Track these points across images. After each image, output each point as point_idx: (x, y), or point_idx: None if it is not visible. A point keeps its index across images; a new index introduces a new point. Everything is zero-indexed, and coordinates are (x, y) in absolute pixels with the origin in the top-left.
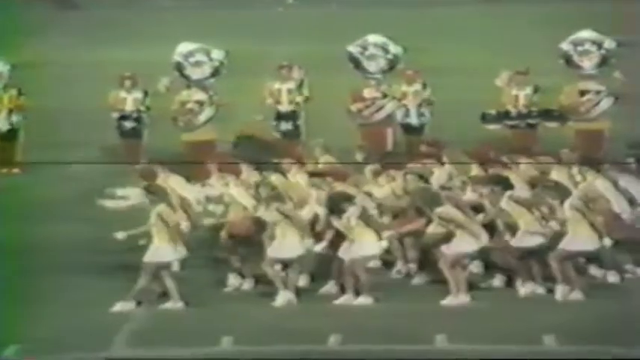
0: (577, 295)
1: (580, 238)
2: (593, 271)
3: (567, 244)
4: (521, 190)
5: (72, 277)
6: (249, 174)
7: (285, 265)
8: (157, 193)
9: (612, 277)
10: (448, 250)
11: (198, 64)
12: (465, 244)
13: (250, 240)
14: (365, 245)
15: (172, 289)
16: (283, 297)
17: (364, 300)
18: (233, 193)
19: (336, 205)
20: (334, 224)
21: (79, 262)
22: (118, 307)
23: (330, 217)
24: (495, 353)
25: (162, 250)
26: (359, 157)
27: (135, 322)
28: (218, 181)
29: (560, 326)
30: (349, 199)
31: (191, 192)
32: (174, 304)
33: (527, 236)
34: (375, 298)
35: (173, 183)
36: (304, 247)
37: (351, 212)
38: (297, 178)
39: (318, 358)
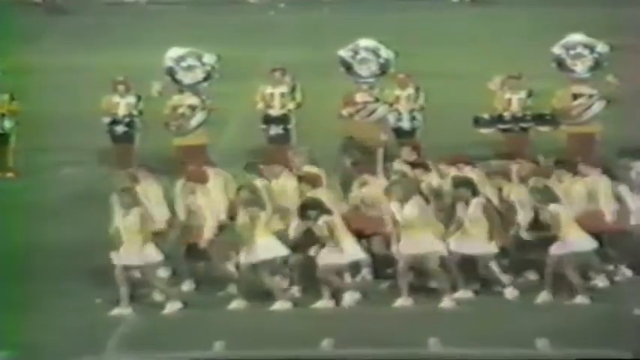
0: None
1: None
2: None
3: None
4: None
5: (64, 282)
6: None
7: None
8: (130, 197)
9: (601, 282)
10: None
11: (189, 68)
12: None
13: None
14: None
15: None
16: (280, 305)
17: (350, 301)
18: (200, 203)
19: (307, 210)
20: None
21: (71, 266)
22: (115, 312)
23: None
24: (489, 356)
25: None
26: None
27: (127, 327)
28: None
29: (553, 329)
30: (320, 205)
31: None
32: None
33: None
34: (367, 301)
35: (149, 194)
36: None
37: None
38: (286, 183)
39: None
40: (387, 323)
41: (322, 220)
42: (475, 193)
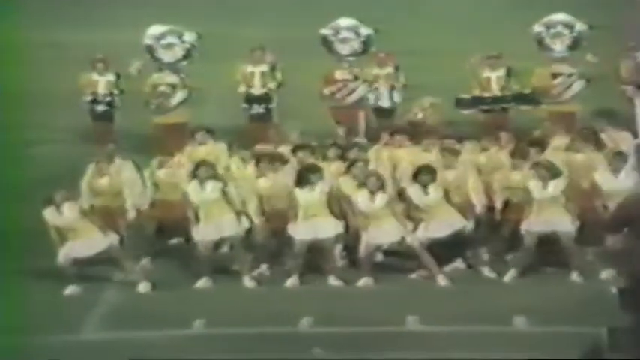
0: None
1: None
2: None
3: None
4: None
5: (38, 261)
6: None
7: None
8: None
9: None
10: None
11: (169, 46)
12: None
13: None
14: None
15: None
16: (202, 282)
17: (335, 282)
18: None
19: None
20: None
21: (45, 245)
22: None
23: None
24: (466, 334)
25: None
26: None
27: (105, 306)
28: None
29: (530, 307)
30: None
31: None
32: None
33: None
34: (346, 280)
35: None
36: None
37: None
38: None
39: (289, 340)
40: (366, 301)
41: (320, 186)
42: (434, 179)
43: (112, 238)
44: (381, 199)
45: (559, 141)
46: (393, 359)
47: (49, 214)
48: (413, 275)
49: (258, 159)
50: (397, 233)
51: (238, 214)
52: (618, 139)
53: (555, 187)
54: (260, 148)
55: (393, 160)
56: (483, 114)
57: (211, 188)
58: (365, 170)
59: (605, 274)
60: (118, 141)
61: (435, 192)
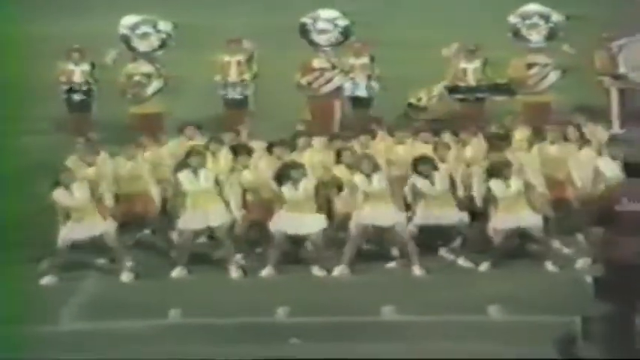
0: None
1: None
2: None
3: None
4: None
5: (18, 253)
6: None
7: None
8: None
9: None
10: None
11: (144, 36)
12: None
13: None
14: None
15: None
16: (177, 272)
17: (318, 272)
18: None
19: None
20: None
21: (26, 237)
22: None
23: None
24: (442, 324)
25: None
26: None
27: (82, 296)
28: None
29: (504, 296)
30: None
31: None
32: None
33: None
34: (325, 270)
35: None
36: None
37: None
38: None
39: (265, 330)
40: (343, 291)
41: (303, 183)
42: (435, 167)
43: (110, 225)
44: (377, 179)
45: (522, 134)
46: (368, 349)
47: (59, 195)
48: (391, 264)
49: (235, 151)
50: (392, 218)
51: (227, 204)
52: (600, 133)
53: (516, 183)
54: (231, 136)
55: (388, 154)
56: (459, 104)
57: (205, 177)
58: (354, 155)
59: (581, 263)
60: (95, 131)
61: (440, 181)
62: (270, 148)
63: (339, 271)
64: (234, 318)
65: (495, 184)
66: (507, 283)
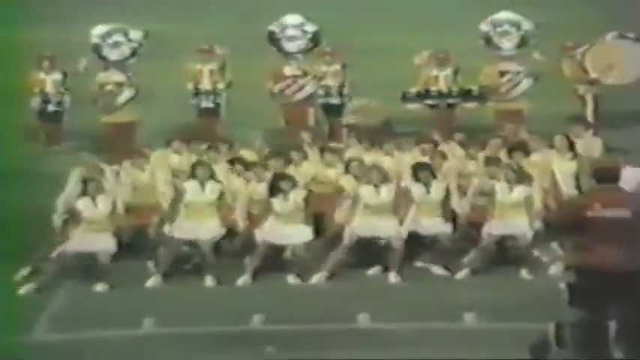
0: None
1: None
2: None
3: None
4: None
5: None
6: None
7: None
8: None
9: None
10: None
11: (116, 44)
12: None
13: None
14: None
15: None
16: (153, 281)
17: (293, 280)
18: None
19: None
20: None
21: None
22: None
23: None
24: (417, 331)
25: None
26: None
27: (56, 306)
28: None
29: (480, 304)
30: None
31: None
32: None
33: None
34: (299, 277)
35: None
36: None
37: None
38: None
39: (240, 338)
40: (318, 299)
41: (293, 195)
42: (434, 175)
43: (112, 244)
44: (387, 191)
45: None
46: (344, 357)
47: (83, 205)
48: (370, 271)
49: (232, 163)
50: (394, 230)
51: (223, 218)
52: (590, 144)
53: (520, 192)
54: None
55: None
56: (430, 110)
57: (211, 189)
58: (362, 167)
59: (554, 270)
60: (68, 141)
61: (436, 190)
62: (267, 159)
63: (317, 278)
64: (209, 326)
65: (500, 189)
66: (483, 290)
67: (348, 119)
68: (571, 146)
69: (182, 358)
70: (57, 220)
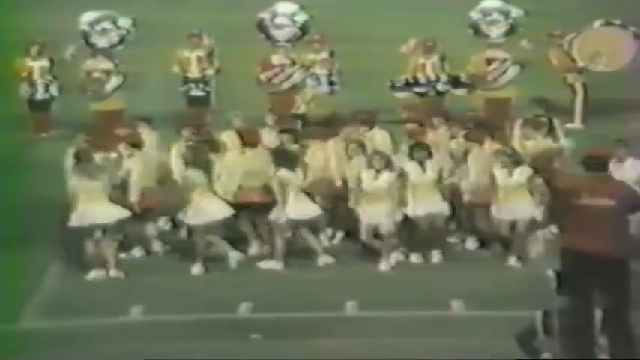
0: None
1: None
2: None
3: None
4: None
5: None
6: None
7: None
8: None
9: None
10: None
11: (104, 32)
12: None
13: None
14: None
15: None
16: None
17: (276, 265)
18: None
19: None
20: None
21: None
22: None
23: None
24: (405, 319)
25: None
26: (269, 120)
27: (44, 294)
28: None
29: (467, 292)
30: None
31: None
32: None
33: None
34: (286, 264)
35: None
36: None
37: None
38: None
39: (228, 326)
40: (306, 287)
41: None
42: (430, 155)
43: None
44: (386, 176)
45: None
46: (332, 345)
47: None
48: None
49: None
50: (386, 216)
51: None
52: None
53: (521, 174)
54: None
55: None
56: (419, 98)
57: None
58: (357, 150)
59: (538, 256)
60: (57, 128)
61: (431, 169)
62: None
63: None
64: (196, 314)
65: (499, 174)
66: (470, 278)
67: (299, 108)
68: (551, 129)
69: (168, 345)
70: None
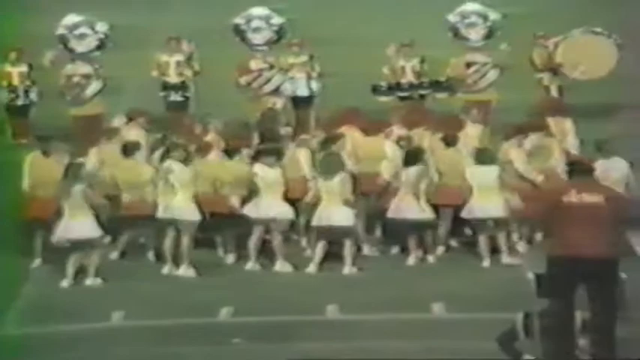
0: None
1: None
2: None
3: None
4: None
5: None
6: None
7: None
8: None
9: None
10: None
11: (82, 36)
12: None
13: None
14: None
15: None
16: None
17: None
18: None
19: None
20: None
21: None
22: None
23: None
24: (386, 322)
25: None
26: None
27: (24, 300)
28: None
29: (448, 294)
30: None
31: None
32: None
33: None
34: (265, 268)
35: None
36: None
37: None
38: None
39: (209, 330)
40: (287, 291)
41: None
42: (419, 159)
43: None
44: (340, 180)
45: (473, 129)
46: (313, 348)
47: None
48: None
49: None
50: (347, 219)
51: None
52: (564, 126)
53: (490, 172)
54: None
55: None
56: (401, 101)
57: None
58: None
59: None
60: (36, 134)
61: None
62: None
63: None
64: (177, 319)
65: (470, 173)
66: (451, 280)
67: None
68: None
69: (149, 350)
70: None
